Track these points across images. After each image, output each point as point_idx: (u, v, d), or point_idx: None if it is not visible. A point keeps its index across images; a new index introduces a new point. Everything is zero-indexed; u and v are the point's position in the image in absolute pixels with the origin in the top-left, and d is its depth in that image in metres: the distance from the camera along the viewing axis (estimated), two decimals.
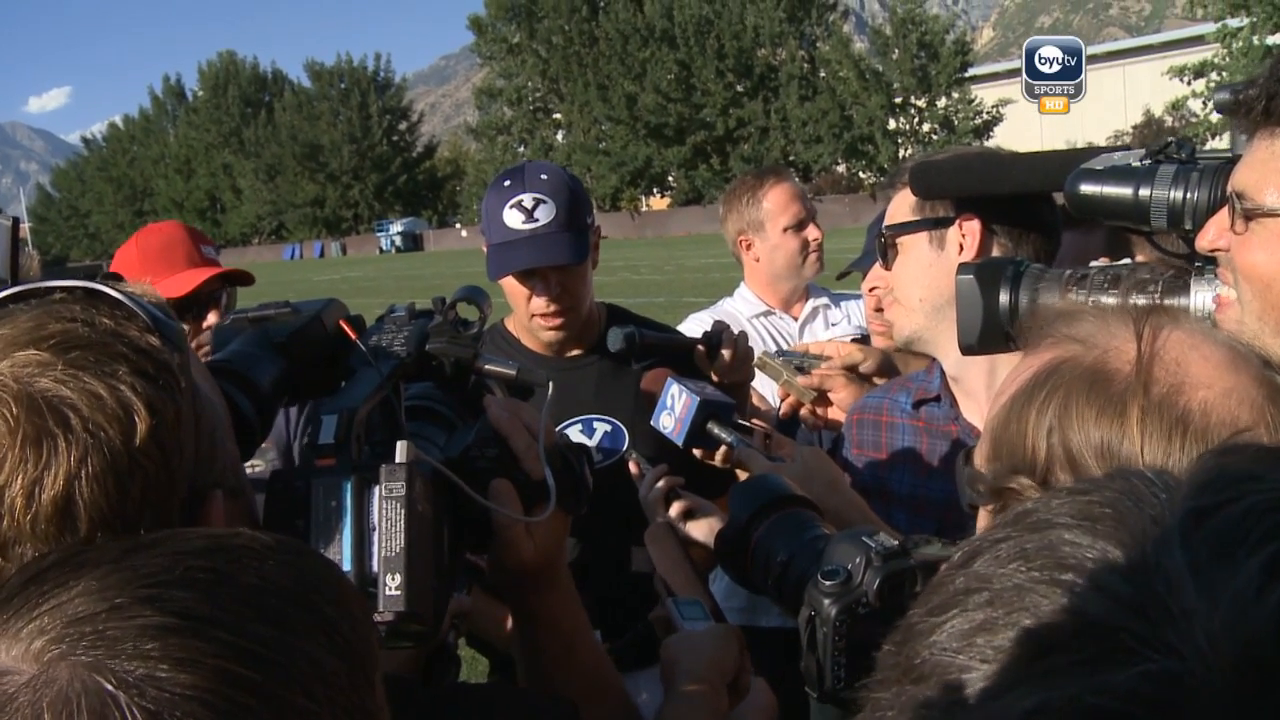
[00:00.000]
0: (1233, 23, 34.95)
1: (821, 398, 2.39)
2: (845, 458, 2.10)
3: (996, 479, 0.93)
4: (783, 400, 2.50)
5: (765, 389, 3.03)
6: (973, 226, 1.85)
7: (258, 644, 0.64)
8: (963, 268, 1.55)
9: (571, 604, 1.34)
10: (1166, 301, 1.31)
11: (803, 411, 2.40)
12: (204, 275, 2.70)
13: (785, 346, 3.34)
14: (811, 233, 3.36)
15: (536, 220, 2.32)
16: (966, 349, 1.56)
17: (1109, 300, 1.32)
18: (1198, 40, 48.85)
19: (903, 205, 1.95)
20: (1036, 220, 1.88)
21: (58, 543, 0.80)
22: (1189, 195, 1.34)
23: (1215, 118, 34.79)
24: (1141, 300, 1.30)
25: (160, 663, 0.61)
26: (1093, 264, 1.42)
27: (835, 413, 2.37)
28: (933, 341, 1.92)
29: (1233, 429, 0.86)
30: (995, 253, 1.85)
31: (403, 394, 1.29)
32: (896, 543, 1.19)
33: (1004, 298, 1.47)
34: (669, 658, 1.46)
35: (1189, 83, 36.44)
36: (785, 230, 3.34)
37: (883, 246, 1.95)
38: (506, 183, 2.40)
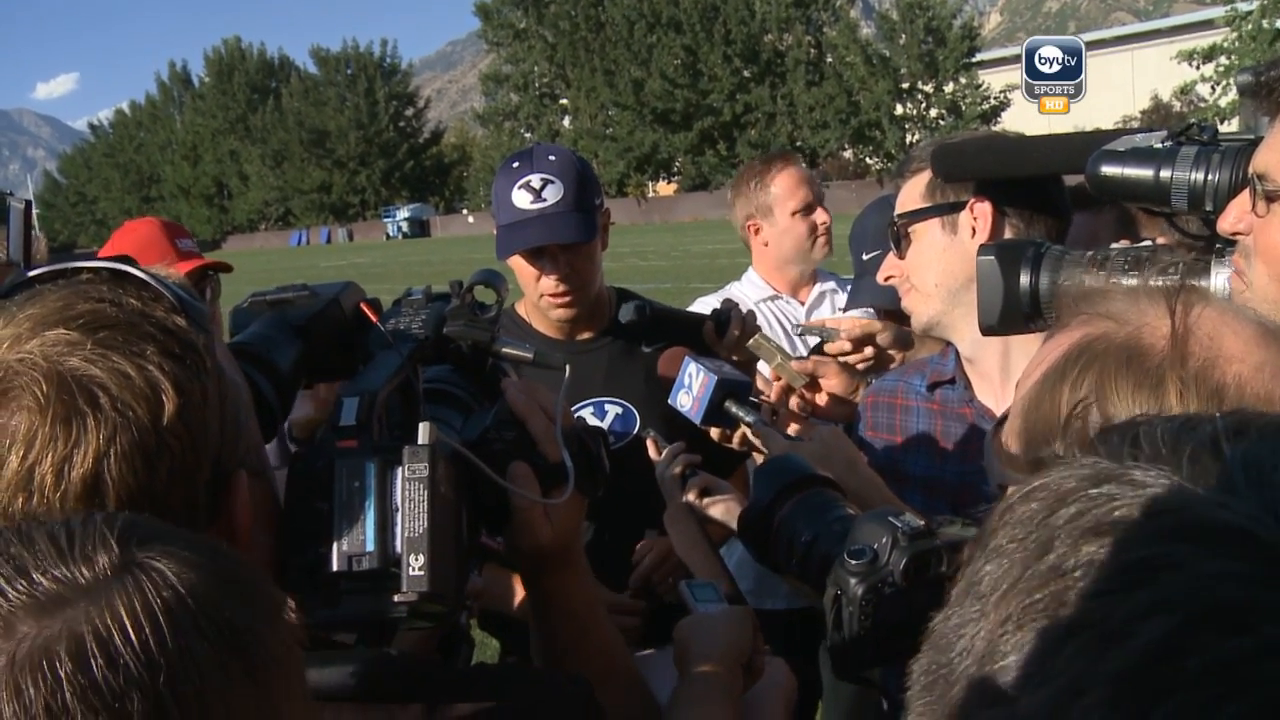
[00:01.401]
0: (1242, 6, 34.76)
1: (812, 384, 2.39)
2: (860, 439, 2.11)
3: (1029, 452, 0.93)
4: (774, 382, 2.50)
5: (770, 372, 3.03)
6: (984, 209, 1.85)
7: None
8: (984, 249, 1.55)
9: (587, 585, 1.34)
10: (1188, 283, 1.30)
11: (792, 400, 2.40)
12: (180, 271, 2.73)
13: (793, 331, 3.35)
14: (819, 216, 3.35)
15: (544, 200, 2.32)
16: (987, 330, 1.56)
17: (1130, 282, 1.32)
18: (1206, 24, 48.64)
19: (913, 193, 1.95)
20: (1047, 201, 1.88)
21: None
22: (1210, 177, 1.33)
23: (1224, 102, 34.63)
24: (1164, 282, 1.30)
25: None
26: (1113, 246, 1.42)
27: (823, 399, 2.36)
28: (950, 325, 1.92)
29: (1266, 402, 0.87)
30: (1007, 234, 1.85)
31: (421, 376, 1.30)
32: (923, 523, 1.19)
33: (1024, 279, 1.47)
34: (682, 639, 1.46)
35: (1198, 67, 36.24)
36: (794, 214, 3.34)
37: (896, 235, 1.95)
38: (515, 164, 2.41)
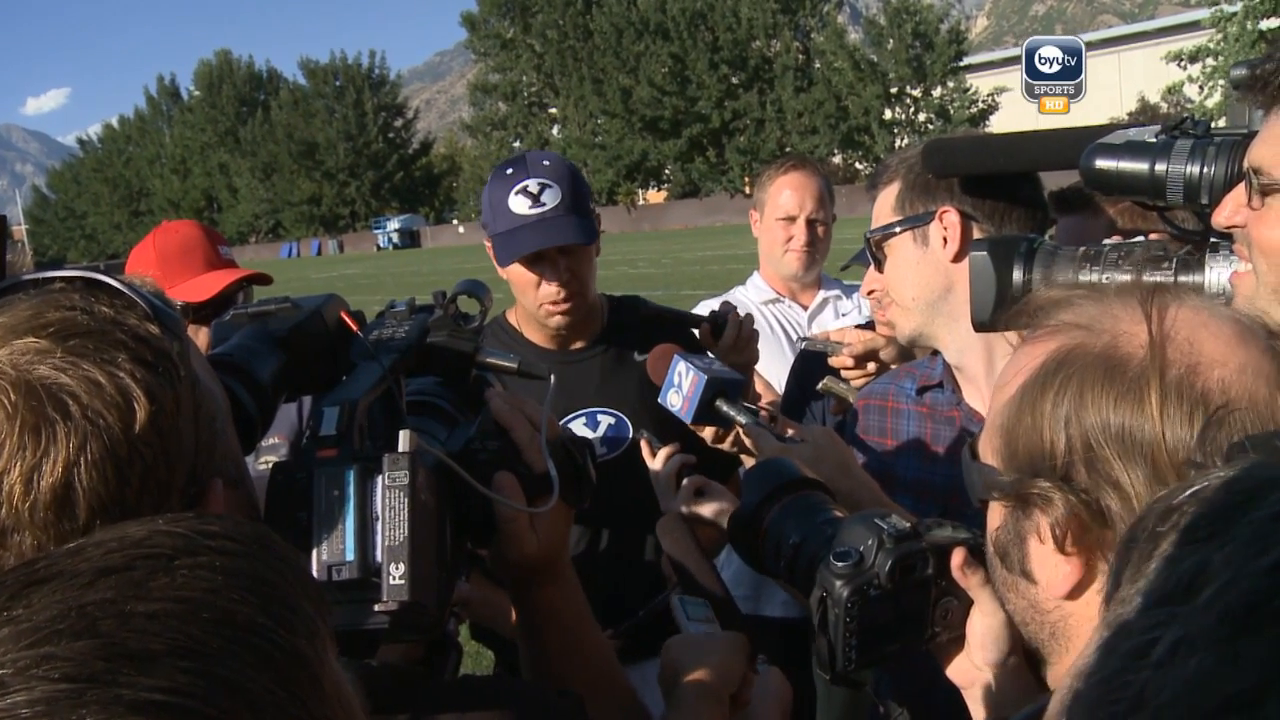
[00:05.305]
0: (1227, 7, 34.94)
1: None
2: (854, 439, 2.09)
3: (1018, 485, 0.91)
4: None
5: (770, 374, 3.02)
6: (951, 219, 1.84)
7: (166, 693, 0.56)
8: (976, 244, 1.54)
9: (575, 596, 1.32)
10: (1181, 278, 1.29)
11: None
12: (227, 279, 2.63)
13: (793, 335, 3.34)
14: (798, 230, 3.34)
15: (543, 204, 2.30)
16: (980, 325, 1.55)
17: (1123, 277, 1.31)
18: (1193, 26, 48.94)
19: (884, 207, 1.95)
20: (1016, 198, 1.87)
21: (56, 530, 0.79)
22: (1205, 170, 1.33)
23: (1211, 103, 34.80)
24: (1156, 277, 1.29)
25: None
26: (1106, 242, 1.41)
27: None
28: (932, 335, 1.91)
29: (1251, 405, 0.85)
30: (977, 237, 1.84)
31: (404, 387, 1.28)
32: (909, 525, 1.17)
33: (1017, 274, 1.47)
34: (670, 660, 1.41)
35: (1184, 67, 36.42)
36: (777, 220, 3.36)
37: (872, 251, 1.95)
38: (509, 170, 2.38)
